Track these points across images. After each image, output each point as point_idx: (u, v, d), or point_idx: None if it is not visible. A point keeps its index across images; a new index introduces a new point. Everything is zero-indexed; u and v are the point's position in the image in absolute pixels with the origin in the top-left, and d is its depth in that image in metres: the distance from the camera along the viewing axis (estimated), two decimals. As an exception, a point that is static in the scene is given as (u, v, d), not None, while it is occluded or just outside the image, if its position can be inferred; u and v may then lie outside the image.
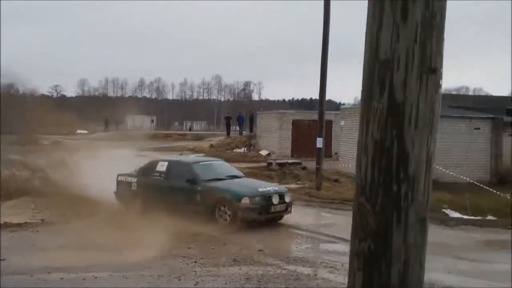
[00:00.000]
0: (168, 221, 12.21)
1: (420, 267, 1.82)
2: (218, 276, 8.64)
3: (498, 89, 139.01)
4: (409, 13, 1.77)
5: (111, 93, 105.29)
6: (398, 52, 1.78)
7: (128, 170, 15.55)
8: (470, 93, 76.99)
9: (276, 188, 14.44)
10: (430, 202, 1.84)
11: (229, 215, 13.07)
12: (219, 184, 13.88)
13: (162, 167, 14.76)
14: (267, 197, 13.41)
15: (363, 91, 1.86)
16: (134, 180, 14.91)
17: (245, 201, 13.17)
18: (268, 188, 14.12)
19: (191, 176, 14.03)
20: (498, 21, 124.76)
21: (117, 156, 18.79)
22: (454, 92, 68.46)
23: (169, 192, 14.07)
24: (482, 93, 69.66)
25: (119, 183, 15.24)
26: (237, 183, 14.34)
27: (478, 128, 24.36)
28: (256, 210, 13.22)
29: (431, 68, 1.79)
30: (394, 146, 1.78)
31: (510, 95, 57.15)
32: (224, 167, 15.62)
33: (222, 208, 13.22)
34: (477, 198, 18.88)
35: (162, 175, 14.58)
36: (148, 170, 15.00)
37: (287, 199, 13.88)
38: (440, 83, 1.84)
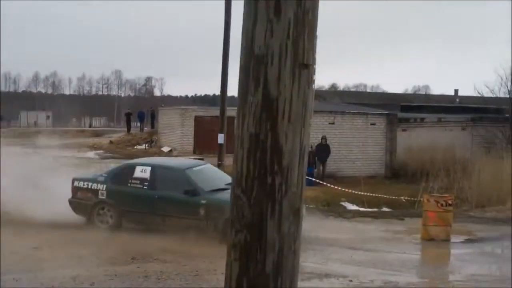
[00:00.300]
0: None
1: (294, 255, 1.89)
2: (115, 275, 8.50)
3: (393, 86, 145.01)
4: (282, 10, 1.83)
5: (3, 88, 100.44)
6: (272, 47, 1.84)
7: (87, 174, 13.70)
8: (368, 90, 79.80)
9: None
10: (304, 193, 1.92)
11: None
12: (228, 196, 12.55)
13: (143, 173, 12.56)
14: None
15: (239, 86, 1.91)
16: (102, 187, 12.57)
17: None
18: None
19: (189, 186, 12.07)
20: (395, 21, 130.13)
21: (9, 154, 17.93)
22: (353, 89, 70.85)
23: (156, 204, 12.02)
24: (379, 90, 72.43)
25: (76, 189, 12.82)
26: None
27: (374, 124, 25.36)
28: None
29: (304, 64, 1.86)
30: (268, 139, 1.84)
31: (404, 92, 59.89)
32: (218, 173, 13.95)
33: None
34: (373, 191, 19.69)
35: (145, 184, 12.42)
36: (122, 175, 12.86)
37: (304, 212, 13.15)
38: (313, 78, 1.92)
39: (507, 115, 26.47)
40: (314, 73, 1.92)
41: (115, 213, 12.32)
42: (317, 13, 1.90)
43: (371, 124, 25.32)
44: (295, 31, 1.84)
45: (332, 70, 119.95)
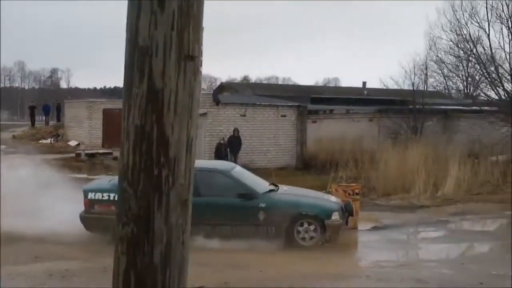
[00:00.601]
0: None
1: (183, 246, 1.90)
2: (18, 275, 8.19)
3: (305, 78, 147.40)
4: (166, 2, 1.83)
5: None
6: (156, 39, 1.84)
7: (101, 182, 11.94)
8: (280, 82, 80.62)
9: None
10: (192, 185, 1.93)
11: (313, 235, 11.19)
12: (286, 197, 11.73)
13: None
14: (343, 208, 11.95)
15: (125, 78, 1.90)
16: None
17: (335, 216, 11.34)
18: (335, 199, 12.56)
19: (245, 189, 11.20)
20: (307, 15, 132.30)
21: None
22: (265, 82, 71.49)
23: (204, 212, 10.51)
24: (290, 83, 73.38)
25: (92, 202, 11.11)
26: (303, 194, 12.42)
27: (285, 116, 25.69)
28: (341, 226, 11.58)
29: (189, 56, 1.87)
30: (154, 131, 1.83)
31: (315, 85, 61.08)
32: (250, 174, 12.80)
33: (302, 227, 11.16)
34: (284, 182, 19.96)
35: None
36: None
37: (358, 210, 12.75)
38: (200, 70, 1.92)
39: (411, 106, 27.49)
40: (200, 65, 1.93)
41: None
42: (203, 6, 1.91)
43: (282, 116, 25.65)
44: (179, 23, 1.84)
45: (244, 62, 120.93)
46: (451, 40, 25.13)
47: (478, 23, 23.84)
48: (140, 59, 1.84)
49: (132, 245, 1.84)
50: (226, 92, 33.98)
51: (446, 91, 35.19)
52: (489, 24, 23.58)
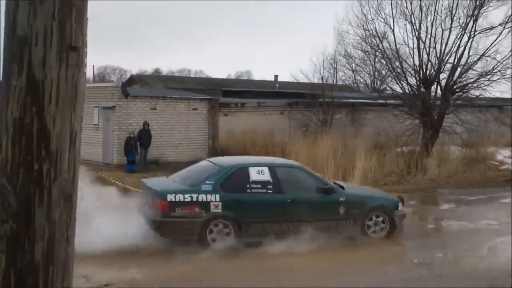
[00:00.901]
0: None
1: (68, 243, 1.85)
2: None
3: (217, 71, 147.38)
4: (46, -8, 1.77)
5: None
6: (36, 29, 1.77)
7: (172, 183, 11.02)
8: (192, 75, 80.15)
9: None
10: (76, 179, 1.88)
11: (383, 226, 11.21)
12: (358, 191, 12.11)
13: (261, 175, 10.75)
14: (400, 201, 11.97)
15: (3, 70, 1.82)
16: (213, 198, 10.20)
17: (400, 207, 11.52)
18: (383, 191, 12.99)
19: (324, 184, 11.25)
20: (220, 8, 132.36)
21: None
22: (176, 74, 70.92)
23: (289, 210, 10.66)
24: (203, 75, 73.11)
25: (173, 205, 10.16)
26: (365, 188, 13.07)
27: (196, 109, 25.57)
28: (404, 218, 11.69)
29: (72, 47, 1.82)
30: (34, 124, 1.77)
31: (227, 78, 61.23)
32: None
33: (373, 219, 11.17)
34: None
35: (268, 187, 10.71)
36: (235, 181, 10.77)
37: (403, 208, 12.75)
38: (84, 62, 1.88)
39: (321, 99, 28.06)
40: (85, 56, 1.88)
41: (234, 227, 10.41)
42: None
43: (193, 109, 25.52)
44: (61, 13, 1.79)
45: (155, 55, 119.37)
46: (358, 35, 25.80)
47: (384, 19, 24.61)
48: (18, 49, 1.78)
49: (12, 243, 1.78)
50: (136, 85, 33.43)
51: (355, 85, 36.15)
52: (394, 20, 24.42)
